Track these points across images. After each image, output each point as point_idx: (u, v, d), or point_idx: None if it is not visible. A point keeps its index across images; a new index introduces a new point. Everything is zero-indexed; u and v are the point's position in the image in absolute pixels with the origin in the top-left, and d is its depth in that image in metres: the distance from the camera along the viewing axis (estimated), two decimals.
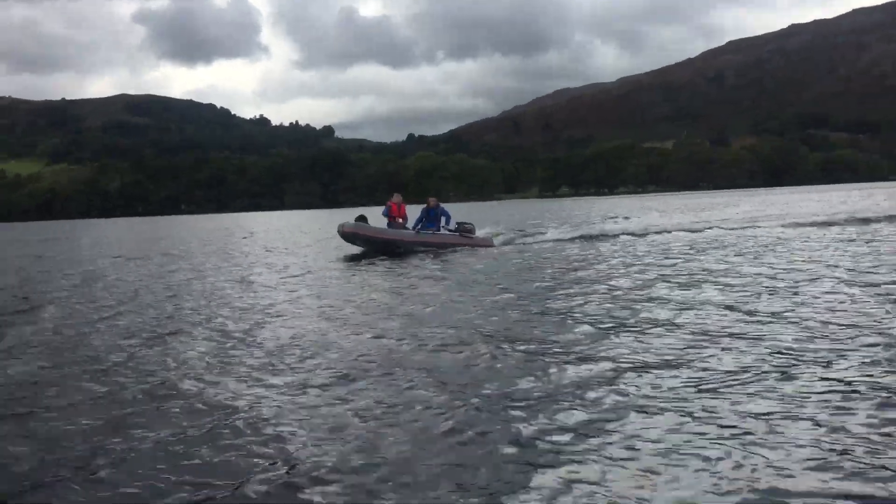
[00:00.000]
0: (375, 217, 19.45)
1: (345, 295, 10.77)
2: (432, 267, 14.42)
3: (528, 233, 24.58)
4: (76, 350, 7.22)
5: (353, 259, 17.05)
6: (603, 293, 9.51)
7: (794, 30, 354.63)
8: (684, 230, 21.04)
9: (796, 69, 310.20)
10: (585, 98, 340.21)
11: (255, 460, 4.00)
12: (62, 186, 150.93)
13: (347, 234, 18.37)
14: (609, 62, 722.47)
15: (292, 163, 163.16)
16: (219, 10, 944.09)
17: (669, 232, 20.64)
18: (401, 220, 18.67)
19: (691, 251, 14.76)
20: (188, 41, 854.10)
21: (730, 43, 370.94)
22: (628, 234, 20.76)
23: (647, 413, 4.43)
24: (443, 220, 18.55)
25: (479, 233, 19.84)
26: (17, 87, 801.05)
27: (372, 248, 18.03)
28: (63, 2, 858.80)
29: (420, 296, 10.30)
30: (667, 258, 13.62)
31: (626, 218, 29.37)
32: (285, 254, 20.42)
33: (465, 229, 18.59)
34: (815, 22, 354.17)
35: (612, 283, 10.51)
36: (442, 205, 19.05)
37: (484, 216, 43.39)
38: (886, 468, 3.53)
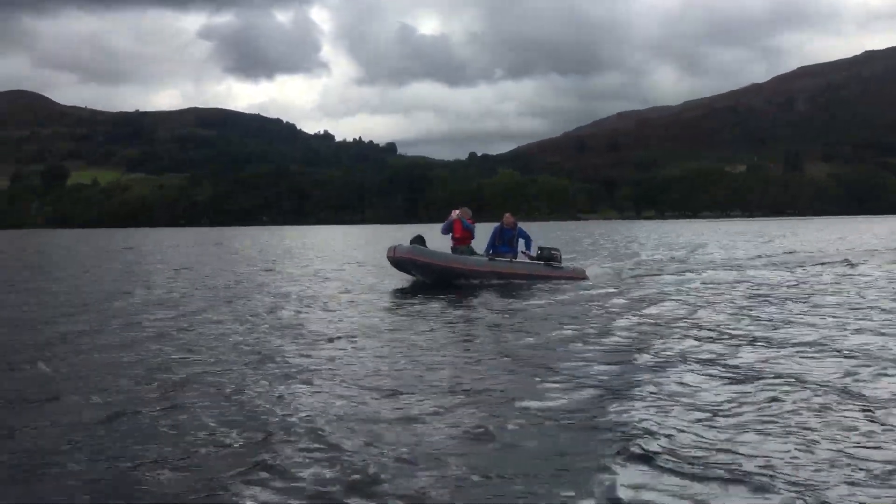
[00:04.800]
0: (435, 237, 15.49)
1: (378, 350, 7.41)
2: (506, 305, 11.07)
3: (638, 261, 20.46)
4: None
5: (399, 294, 12.99)
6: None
7: (869, 56, 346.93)
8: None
9: (870, 96, 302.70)
10: (651, 120, 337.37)
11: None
12: (154, 195, 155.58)
13: (400, 261, 14.12)
14: (670, 85, 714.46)
15: (369, 177, 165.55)
16: (281, 26, 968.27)
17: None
18: (467, 244, 14.84)
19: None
20: (251, 56, 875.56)
21: (800, 68, 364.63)
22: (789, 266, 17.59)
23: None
24: (521, 243, 14.92)
25: (570, 262, 16.48)
26: (88, 98, 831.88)
27: (429, 278, 13.93)
28: (130, 15, 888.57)
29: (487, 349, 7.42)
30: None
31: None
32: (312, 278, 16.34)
33: (550, 256, 14.72)
34: (892, 49, 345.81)
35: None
36: (520, 225, 15.30)
37: (574, 240, 38.53)
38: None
